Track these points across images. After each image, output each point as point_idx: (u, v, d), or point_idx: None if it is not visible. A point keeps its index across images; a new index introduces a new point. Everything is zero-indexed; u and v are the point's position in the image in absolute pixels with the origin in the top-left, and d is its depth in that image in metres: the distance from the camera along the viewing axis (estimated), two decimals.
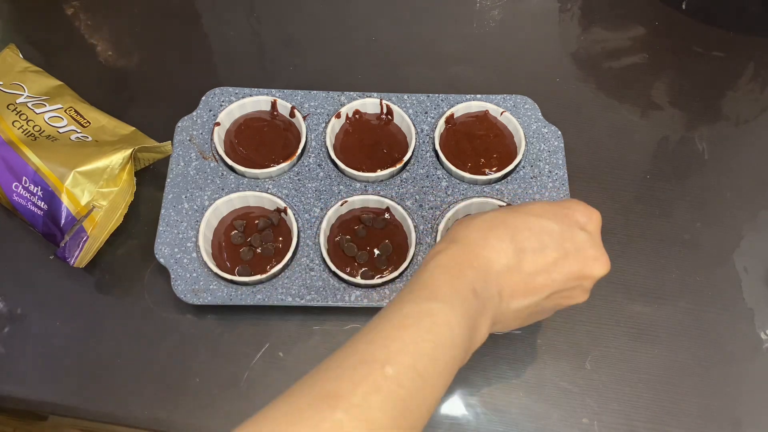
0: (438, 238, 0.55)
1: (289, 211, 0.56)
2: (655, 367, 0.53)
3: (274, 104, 0.62)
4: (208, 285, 0.53)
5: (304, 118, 0.61)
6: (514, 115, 0.61)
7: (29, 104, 0.59)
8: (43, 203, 0.55)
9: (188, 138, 0.60)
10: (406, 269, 0.54)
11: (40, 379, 0.52)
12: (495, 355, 0.54)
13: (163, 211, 0.56)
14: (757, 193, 0.61)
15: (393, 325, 0.36)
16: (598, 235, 0.44)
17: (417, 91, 0.63)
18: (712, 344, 0.54)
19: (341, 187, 0.58)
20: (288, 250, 0.54)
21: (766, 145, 0.64)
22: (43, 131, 0.57)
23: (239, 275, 0.53)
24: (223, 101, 0.62)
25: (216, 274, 0.53)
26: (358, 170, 0.58)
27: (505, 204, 0.57)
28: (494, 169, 0.59)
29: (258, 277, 0.53)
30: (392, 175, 0.59)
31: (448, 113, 0.61)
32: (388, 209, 0.57)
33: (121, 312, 0.55)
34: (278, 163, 0.58)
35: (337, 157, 0.59)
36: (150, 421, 0.51)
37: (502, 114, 0.61)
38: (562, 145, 0.61)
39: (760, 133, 0.65)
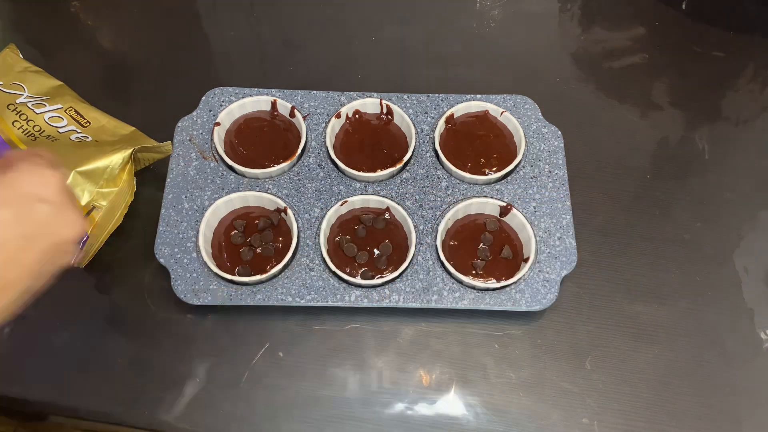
0: (438, 238, 0.55)
1: (289, 211, 0.56)
2: (655, 367, 0.53)
3: (274, 104, 0.62)
4: (208, 285, 0.53)
5: (304, 118, 0.61)
6: (514, 115, 0.61)
7: (29, 104, 0.59)
8: None
9: (188, 138, 0.60)
10: (406, 269, 0.54)
11: (40, 379, 0.52)
12: (495, 355, 0.54)
13: (163, 211, 0.56)
14: (757, 193, 0.61)
15: None
16: (62, 195, 0.39)
17: (417, 91, 0.63)
18: (712, 344, 0.54)
19: (341, 187, 0.58)
20: (288, 250, 0.54)
21: (766, 145, 0.64)
22: (43, 131, 0.57)
23: (239, 275, 0.53)
24: (223, 101, 0.62)
25: (216, 274, 0.53)
26: (358, 170, 0.58)
27: (505, 204, 0.57)
28: (494, 169, 0.59)
29: (258, 277, 0.53)
30: (392, 175, 0.59)
31: (448, 113, 0.61)
32: (388, 209, 0.57)
33: (121, 312, 0.55)
34: (278, 163, 0.58)
35: (337, 157, 0.59)
36: (150, 421, 0.51)
37: (502, 114, 0.61)
38: (562, 145, 0.61)
39: (760, 133, 0.65)
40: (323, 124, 0.61)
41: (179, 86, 0.67)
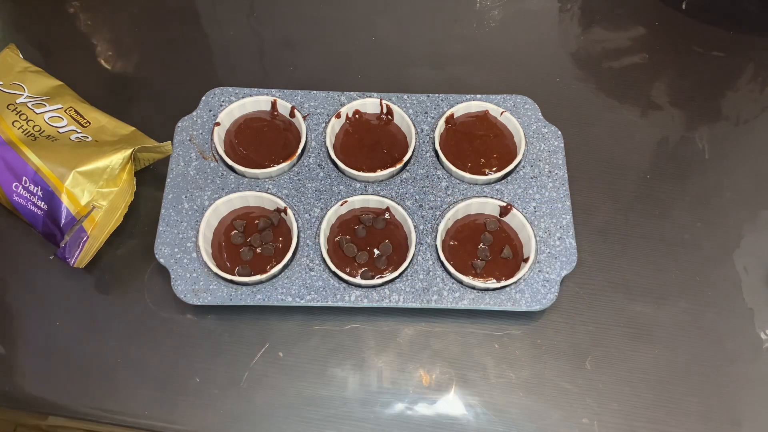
0: (438, 238, 0.55)
1: (289, 211, 0.56)
2: (655, 367, 0.53)
3: (274, 104, 0.62)
4: (208, 285, 0.53)
5: (304, 118, 0.61)
6: (514, 115, 0.61)
7: (29, 104, 0.59)
8: (43, 203, 0.55)
9: (188, 138, 0.60)
10: (406, 269, 0.54)
11: (40, 379, 0.52)
12: (495, 355, 0.54)
13: (163, 211, 0.56)
14: (757, 193, 0.61)
15: None
16: None
17: (417, 91, 0.63)
18: (712, 344, 0.54)
19: (341, 187, 0.58)
20: (288, 250, 0.54)
21: (766, 144, 0.64)
22: (43, 131, 0.57)
23: (239, 275, 0.53)
24: (223, 101, 0.62)
25: (216, 274, 0.54)
26: (358, 170, 0.58)
27: (505, 204, 0.57)
28: (494, 169, 0.59)
29: (258, 277, 0.53)
30: (392, 175, 0.59)
31: (448, 113, 0.61)
32: (388, 209, 0.57)
33: (121, 312, 0.55)
34: (278, 163, 0.58)
35: (337, 157, 0.59)
36: (150, 421, 0.51)
37: (502, 114, 0.61)
38: (562, 145, 0.61)
39: (760, 132, 0.65)
40: (323, 124, 0.61)
41: (179, 86, 0.67)
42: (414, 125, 0.60)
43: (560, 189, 0.58)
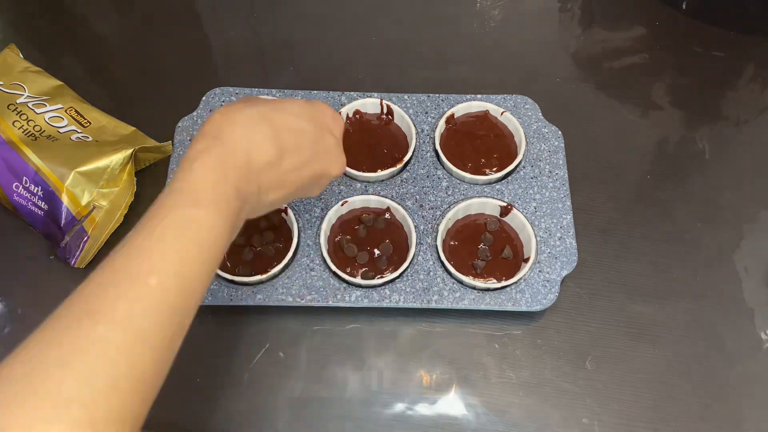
0: (438, 238, 0.55)
1: (289, 211, 0.56)
2: (655, 367, 0.53)
3: None
4: (208, 285, 0.53)
5: None
6: (514, 115, 0.61)
7: (30, 104, 0.59)
8: (43, 203, 0.55)
9: (188, 138, 0.60)
10: (406, 269, 0.54)
11: None
12: (495, 356, 0.54)
13: None
14: (758, 193, 0.61)
15: (155, 237, 0.35)
16: (340, 140, 0.48)
17: (417, 91, 0.63)
18: (712, 344, 0.54)
19: (342, 187, 0.58)
20: (288, 251, 0.54)
21: (766, 144, 0.64)
22: (44, 131, 0.57)
23: (240, 275, 0.53)
24: (223, 101, 0.62)
25: (216, 274, 0.53)
26: (359, 170, 0.58)
27: (505, 204, 0.57)
28: (495, 169, 0.59)
29: (258, 277, 0.53)
30: (393, 175, 0.59)
31: (448, 113, 0.61)
32: (388, 209, 0.57)
33: None
34: None
35: None
36: (150, 421, 0.51)
37: (502, 114, 0.61)
38: (563, 145, 0.61)
39: (760, 133, 0.65)
40: None
41: (179, 86, 0.67)
42: (414, 125, 0.60)
43: (560, 189, 0.58)
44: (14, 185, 0.55)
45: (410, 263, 0.54)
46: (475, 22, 0.72)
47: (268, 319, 0.55)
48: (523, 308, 0.53)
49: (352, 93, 0.62)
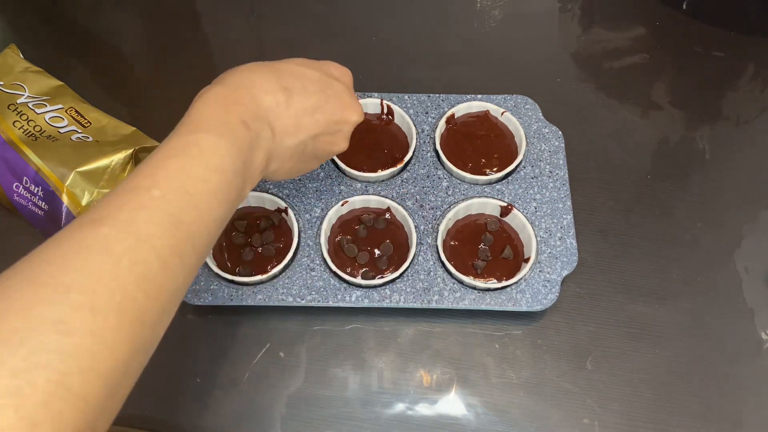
0: (439, 239, 0.55)
1: (289, 211, 0.56)
2: (655, 367, 0.53)
3: None
4: (208, 285, 0.53)
5: None
6: (514, 115, 0.61)
7: (30, 104, 0.59)
8: (43, 203, 0.55)
9: None
10: (406, 269, 0.54)
11: None
12: (495, 356, 0.54)
13: None
14: (758, 193, 0.61)
15: (159, 156, 0.36)
16: (352, 88, 0.49)
17: (417, 91, 0.63)
18: (713, 344, 0.54)
19: (342, 187, 0.58)
20: (289, 251, 0.54)
21: (767, 145, 0.64)
22: (44, 131, 0.57)
23: (240, 275, 0.53)
24: None
25: (217, 275, 0.53)
26: (359, 170, 0.58)
27: (506, 204, 0.57)
28: (495, 169, 0.59)
29: (259, 277, 0.53)
30: (393, 176, 0.59)
31: (448, 113, 0.61)
32: (388, 209, 0.57)
33: None
34: None
35: (337, 157, 0.59)
36: (150, 421, 0.51)
37: (502, 114, 0.61)
38: (563, 145, 0.61)
39: (760, 133, 0.65)
40: None
41: (179, 86, 0.66)
42: (414, 125, 0.60)
43: (561, 189, 0.58)
44: (14, 185, 0.55)
45: (410, 263, 0.54)
46: (475, 22, 0.72)
47: (268, 319, 0.55)
48: (524, 308, 0.53)
49: None
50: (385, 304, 0.53)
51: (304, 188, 0.58)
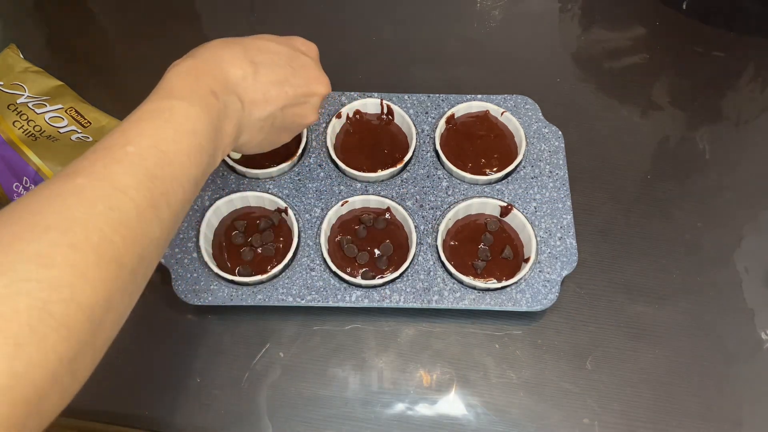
0: (439, 239, 0.55)
1: (289, 211, 0.56)
2: (655, 367, 0.53)
3: None
4: (208, 285, 0.53)
5: None
6: (514, 115, 0.61)
7: (30, 104, 0.59)
8: None
9: None
10: (406, 269, 0.54)
11: None
12: (495, 356, 0.54)
13: None
14: (758, 194, 0.61)
15: (132, 119, 0.37)
16: (318, 62, 0.50)
17: (417, 91, 0.63)
18: (713, 344, 0.54)
19: (342, 187, 0.58)
20: (288, 251, 0.54)
21: (767, 145, 0.64)
22: (44, 131, 0.57)
23: (240, 275, 0.53)
24: None
25: (217, 275, 0.53)
26: (359, 170, 0.58)
27: (505, 204, 0.57)
28: (495, 169, 0.59)
29: (258, 277, 0.53)
30: (393, 176, 0.59)
31: (448, 113, 0.61)
32: (388, 209, 0.57)
33: None
34: (279, 164, 0.58)
35: (337, 157, 0.59)
36: (150, 421, 0.51)
37: (502, 114, 0.61)
38: (563, 145, 0.61)
39: (760, 133, 0.65)
40: (324, 124, 0.61)
41: None
42: (414, 125, 0.60)
43: (561, 189, 0.58)
44: (14, 185, 0.55)
45: (410, 263, 0.54)
46: (475, 22, 0.72)
47: (268, 319, 0.55)
48: (524, 308, 0.53)
49: (352, 93, 0.62)
50: (385, 304, 0.53)
51: (304, 188, 0.58)
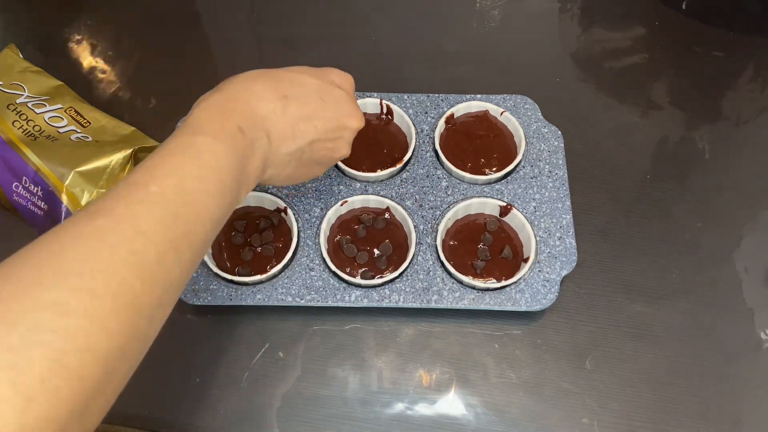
0: (438, 238, 0.55)
1: (289, 211, 0.56)
2: (655, 367, 0.53)
3: None
4: (208, 285, 0.53)
5: None
6: (514, 115, 0.61)
7: (29, 104, 0.59)
8: (43, 203, 0.55)
9: None
10: (406, 269, 0.54)
11: None
12: (495, 355, 0.54)
13: None
14: (758, 193, 0.61)
15: (157, 156, 0.37)
16: (353, 95, 0.49)
17: (417, 91, 0.63)
18: (712, 344, 0.54)
19: (341, 187, 0.58)
20: (288, 250, 0.54)
21: (767, 145, 0.64)
22: (43, 131, 0.57)
23: (239, 275, 0.53)
24: None
25: (216, 274, 0.53)
26: (358, 170, 0.58)
27: (505, 204, 0.57)
28: (494, 169, 0.59)
29: (258, 277, 0.53)
30: (392, 175, 0.59)
31: (448, 113, 0.61)
32: (388, 209, 0.57)
33: None
34: None
35: None
36: (150, 421, 0.51)
37: (502, 114, 0.61)
38: (562, 145, 0.61)
39: (760, 133, 0.65)
40: None
41: (179, 86, 0.67)
42: (414, 125, 0.60)
43: (560, 189, 0.58)
44: (14, 185, 0.55)
45: (410, 263, 0.54)
46: (475, 22, 0.72)
47: (267, 319, 0.55)
48: (523, 308, 0.53)
49: None
50: (384, 304, 0.53)
51: (303, 188, 0.58)
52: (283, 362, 0.53)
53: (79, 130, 0.58)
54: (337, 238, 0.56)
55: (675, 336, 0.55)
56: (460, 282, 0.54)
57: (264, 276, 0.53)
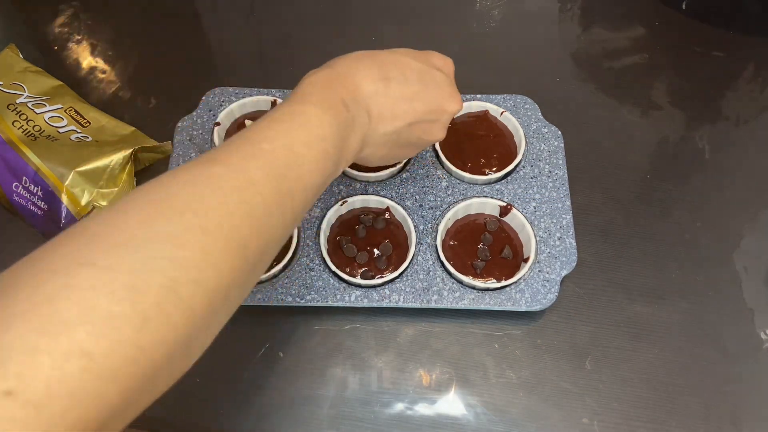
0: (438, 238, 0.55)
1: None
2: (655, 367, 0.53)
3: (273, 104, 0.62)
4: None
5: None
6: (514, 115, 0.61)
7: (29, 104, 0.59)
8: (43, 203, 0.55)
9: (188, 138, 0.60)
10: (406, 269, 0.54)
11: None
12: (495, 355, 0.54)
13: None
14: (758, 193, 0.61)
15: (268, 120, 0.39)
16: (453, 78, 0.50)
17: None
18: (712, 344, 0.54)
19: (341, 187, 0.58)
20: (288, 250, 0.54)
21: (766, 144, 0.64)
22: (43, 131, 0.57)
23: None
24: (223, 101, 0.62)
25: None
26: (358, 170, 0.58)
27: (505, 204, 0.57)
28: (494, 169, 0.59)
29: None
30: (392, 175, 0.59)
31: None
32: (388, 209, 0.57)
33: None
34: None
35: None
36: (150, 421, 0.51)
37: (502, 114, 0.61)
38: (562, 145, 0.61)
39: (760, 133, 0.65)
40: None
41: (179, 86, 0.67)
42: None
43: (560, 189, 0.58)
44: (14, 185, 0.55)
45: (410, 263, 0.54)
46: (475, 22, 0.72)
47: (267, 319, 0.55)
48: (523, 308, 0.53)
49: None
50: (384, 304, 0.53)
51: None
52: (283, 362, 0.53)
53: (79, 130, 0.58)
54: (337, 238, 0.56)
55: (675, 336, 0.55)
56: (460, 282, 0.54)
57: (264, 276, 0.53)
